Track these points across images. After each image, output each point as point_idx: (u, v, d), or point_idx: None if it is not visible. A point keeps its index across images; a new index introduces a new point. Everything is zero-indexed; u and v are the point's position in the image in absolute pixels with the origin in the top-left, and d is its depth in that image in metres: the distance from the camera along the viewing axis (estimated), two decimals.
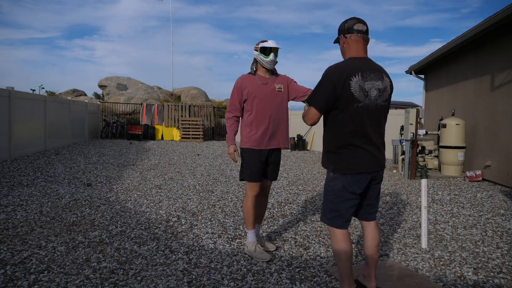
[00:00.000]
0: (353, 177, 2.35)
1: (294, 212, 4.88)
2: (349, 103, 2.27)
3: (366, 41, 2.39)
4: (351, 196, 2.38)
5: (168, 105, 18.88)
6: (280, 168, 3.74)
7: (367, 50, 2.42)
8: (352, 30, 2.34)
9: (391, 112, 14.72)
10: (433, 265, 3.22)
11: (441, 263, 3.28)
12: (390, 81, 2.42)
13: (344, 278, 2.40)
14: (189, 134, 17.27)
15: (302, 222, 4.40)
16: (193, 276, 2.87)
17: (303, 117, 2.45)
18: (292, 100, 3.42)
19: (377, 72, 2.33)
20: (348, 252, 2.37)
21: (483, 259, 3.39)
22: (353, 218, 2.59)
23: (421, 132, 7.98)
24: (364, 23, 2.37)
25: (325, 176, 8.26)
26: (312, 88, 2.54)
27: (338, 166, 2.37)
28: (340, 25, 2.42)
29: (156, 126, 17.85)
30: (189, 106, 19.14)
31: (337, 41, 2.48)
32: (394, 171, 8.71)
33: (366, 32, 2.38)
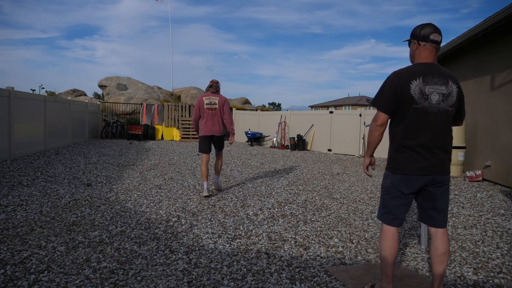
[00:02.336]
0: (402, 177, 2.38)
1: (294, 212, 4.88)
2: (407, 104, 2.31)
3: (437, 49, 2.41)
4: (399, 195, 2.40)
5: (168, 105, 18.88)
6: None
7: (436, 57, 2.43)
8: (427, 39, 2.35)
9: None
10: None
11: None
12: (458, 87, 2.38)
13: (382, 274, 2.48)
14: (189, 134, 17.26)
15: (302, 222, 4.41)
16: (193, 276, 2.87)
17: (372, 121, 2.45)
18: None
19: (442, 77, 2.33)
20: (391, 250, 2.43)
21: (483, 259, 3.39)
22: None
23: None
24: (440, 32, 2.37)
25: (324, 177, 8.25)
26: None
27: (389, 164, 2.46)
28: (416, 29, 2.41)
29: (156, 126, 17.84)
30: (189, 106, 19.14)
31: (407, 41, 2.50)
32: None
33: (440, 42, 2.38)
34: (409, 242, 3.80)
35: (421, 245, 3.68)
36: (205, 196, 5.50)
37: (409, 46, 2.51)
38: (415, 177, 2.35)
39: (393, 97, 2.34)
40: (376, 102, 2.43)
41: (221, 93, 5.86)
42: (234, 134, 5.95)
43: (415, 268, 3.15)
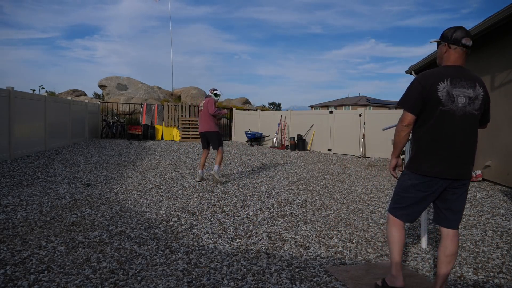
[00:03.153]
0: (423, 178, 2.38)
1: (294, 212, 4.88)
2: (434, 106, 2.31)
3: (467, 54, 2.42)
4: (417, 194, 2.43)
5: (168, 105, 18.87)
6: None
7: (465, 60, 2.43)
8: (459, 43, 2.36)
9: (391, 112, 14.73)
10: (433, 265, 3.22)
11: None
12: (484, 91, 2.37)
13: (392, 262, 2.56)
14: (189, 134, 17.26)
15: (302, 222, 4.40)
16: (193, 276, 2.87)
17: (399, 122, 2.45)
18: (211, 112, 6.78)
19: (470, 80, 2.34)
20: (397, 237, 2.52)
21: (483, 259, 3.39)
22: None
23: None
24: (471, 36, 2.39)
25: (324, 177, 8.23)
26: None
27: (411, 164, 2.46)
28: (447, 32, 2.42)
29: (156, 126, 17.84)
30: (189, 106, 19.14)
31: (435, 41, 2.52)
32: None
33: (471, 46, 2.39)
34: (409, 242, 3.80)
35: (421, 245, 3.68)
36: (197, 181, 6.78)
37: (437, 47, 2.50)
38: (436, 179, 2.35)
39: (419, 98, 2.33)
40: (403, 102, 2.42)
41: (218, 95, 7.03)
42: (218, 113, 6.83)
43: (415, 268, 3.15)
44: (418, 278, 2.94)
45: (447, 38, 2.40)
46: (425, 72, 2.41)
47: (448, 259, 2.42)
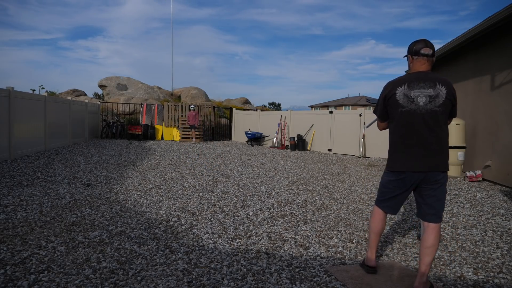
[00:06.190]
0: (396, 175, 2.71)
1: (294, 212, 4.88)
2: (395, 108, 2.66)
3: (430, 61, 2.68)
4: (395, 190, 2.75)
5: (168, 105, 18.86)
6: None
7: (431, 66, 2.70)
8: (419, 54, 2.66)
9: None
10: (433, 265, 3.22)
11: (441, 263, 3.28)
12: (447, 88, 2.58)
13: (370, 246, 2.97)
14: (189, 134, 17.24)
15: (302, 222, 4.41)
16: (193, 276, 2.87)
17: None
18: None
19: (429, 81, 2.59)
20: (375, 226, 2.90)
21: (483, 259, 3.40)
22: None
23: None
24: (431, 46, 2.65)
25: (324, 177, 8.24)
26: None
27: (387, 163, 2.80)
28: (410, 45, 2.74)
29: (156, 126, 17.83)
30: (189, 106, 19.11)
31: (405, 56, 2.83)
32: None
33: (432, 55, 2.66)
34: (409, 242, 3.81)
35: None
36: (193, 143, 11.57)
37: (407, 60, 2.83)
38: (409, 174, 2.63)
39: (383, 105, 2.75)
40: (375, 111, 2.88)
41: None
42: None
43: (415, 268, 3.15)
44: None
45: (410, 51, 2.73)
46: (388, 82, 2.75)
47: (427, 251, 2.62)
